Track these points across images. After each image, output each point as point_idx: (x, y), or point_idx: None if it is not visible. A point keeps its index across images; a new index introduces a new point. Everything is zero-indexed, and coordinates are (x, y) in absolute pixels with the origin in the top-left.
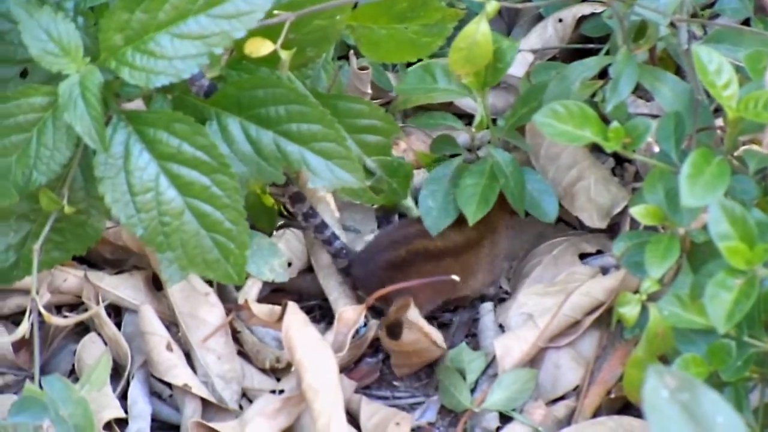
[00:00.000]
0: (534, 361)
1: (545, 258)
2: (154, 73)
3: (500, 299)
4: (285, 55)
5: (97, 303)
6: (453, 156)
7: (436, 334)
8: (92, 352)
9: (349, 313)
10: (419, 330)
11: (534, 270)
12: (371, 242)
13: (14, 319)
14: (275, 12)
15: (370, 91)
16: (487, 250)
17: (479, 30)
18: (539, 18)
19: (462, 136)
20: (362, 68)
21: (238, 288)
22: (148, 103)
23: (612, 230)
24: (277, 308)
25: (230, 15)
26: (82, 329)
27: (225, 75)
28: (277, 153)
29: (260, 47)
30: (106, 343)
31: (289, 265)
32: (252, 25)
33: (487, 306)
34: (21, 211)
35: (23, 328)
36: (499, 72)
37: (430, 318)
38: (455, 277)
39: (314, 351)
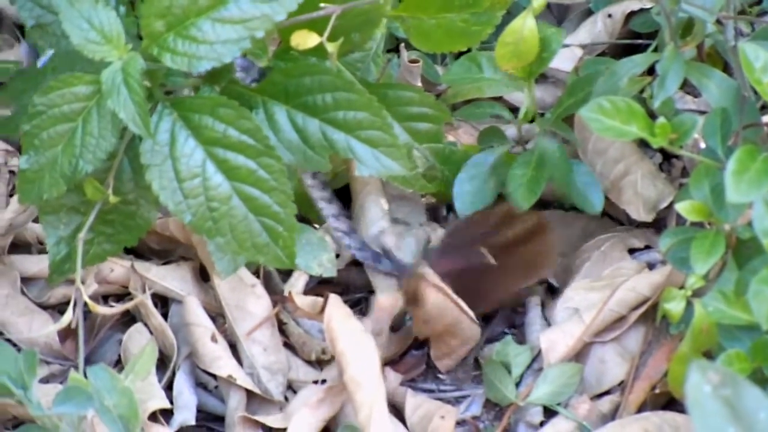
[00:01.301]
0: (579, 355)
1: (594, 254)
2: (196, 58)
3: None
4: (332, 48)
5: (144, 293)
6: None
7: (459, 300)
8: (138, 342)
9: (386, 300)
10: (440, 290)
11: (583, 266)
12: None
13: (60, 308)
14: (321, 5)
15: (420, 84)
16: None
17: (526, 25)
18: (589, 13)
19: (510, 130)
20: (413, 61)
21: (286, 278)
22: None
23: (658, 225)
24: (320, 300)
25: None
26: (129, 319)
27: (272, 65)
28: (323, 141)
29: (306, 39)
30: (152, 334)
31: (337, 256)
32: (293, 8)
33: (534, 300)
34: (71, 204)
35: (68, 317)
36: (544, 61)
37: None
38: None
39: (356, 343)
